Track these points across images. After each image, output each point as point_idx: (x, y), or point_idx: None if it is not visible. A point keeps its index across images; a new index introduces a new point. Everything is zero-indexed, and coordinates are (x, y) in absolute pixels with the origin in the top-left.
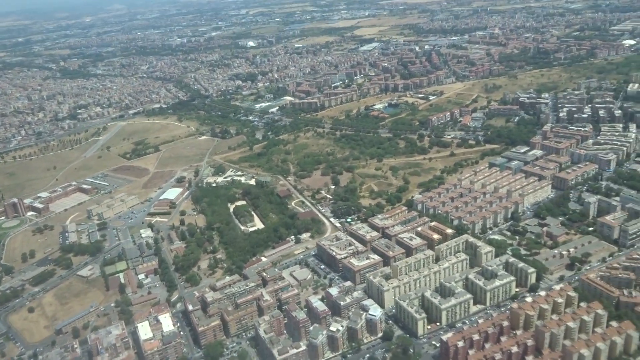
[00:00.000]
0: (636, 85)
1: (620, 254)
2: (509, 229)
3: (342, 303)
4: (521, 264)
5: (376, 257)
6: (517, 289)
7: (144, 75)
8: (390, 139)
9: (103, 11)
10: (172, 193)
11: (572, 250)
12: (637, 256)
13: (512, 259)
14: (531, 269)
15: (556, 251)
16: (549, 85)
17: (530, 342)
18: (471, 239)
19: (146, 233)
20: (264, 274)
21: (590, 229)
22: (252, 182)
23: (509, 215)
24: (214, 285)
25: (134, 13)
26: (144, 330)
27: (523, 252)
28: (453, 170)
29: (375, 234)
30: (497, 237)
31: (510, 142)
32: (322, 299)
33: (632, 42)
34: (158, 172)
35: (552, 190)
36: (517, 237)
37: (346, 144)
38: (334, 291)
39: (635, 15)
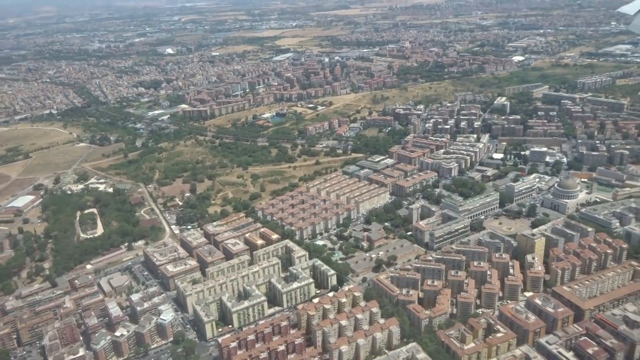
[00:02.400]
0: (503, 99)
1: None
2: (337, 234)
3: (138, 308)
4: (324, 267)
5: (193, 262)
6: (319, 291)
7: (48, 80)
8: (264, 148)
9: (31, 13)
10: (22, 201)
11: (381, 253)
12: (430, 258)
13: (317, 262)
14: (331, 272)
15: (367, 254)
16: (432, 98)
17: (299, 341)
18: (290, 244)
19: None
20: (76, 281)
21: (409, 233)
22: (111, 189)
23: (341, 222)
24: (19, 294)
25: (63, 16)
26: None
27: (340, 255)
28: (311, 178)
29: (202, 240)
30: (322, 242)
31: (374, 151)
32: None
33: (521, 58)
34: (19, 180)
35: (391, 197)
36: (340, 242)
37: (221, 152)
38: (135, 297)
39: (535, 33)
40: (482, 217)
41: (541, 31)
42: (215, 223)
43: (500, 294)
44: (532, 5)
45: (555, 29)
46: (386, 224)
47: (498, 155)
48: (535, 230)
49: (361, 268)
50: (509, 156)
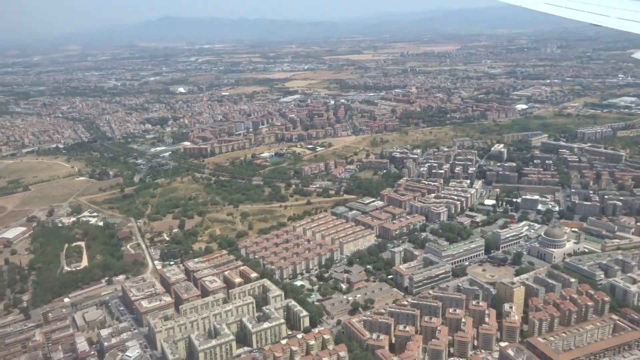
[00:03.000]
0: (501, 145)
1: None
2: (318, 275)
3: (106, 344)
4: (297, 308)
5: (168, 299)
6: (291, 332)
7: (60, 115)
8: (258, 186)
9: (56, 51)
10: (13, 232)
11: (359, 296)
12: (406, 303)
13: (291, 303)
14: (304, 313)
15: (344, 297)
16: (431, 142)
17: None
18: (267, 283)
19: None
20: (49, 315)
21: (390, 277)
22: (101, 223)
23: (323, 262)
24: None
25: (86, 55)
26: None
27: (318, 297)
28: (300, 218)
29: (181, 276)
30: (301, 282)
31: (367, 193)
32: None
33: (524, 106)
34: (14, 211)
35: (377, 240)
36: (320, 283)
37: (215, 189)
38: (104, 332)
39: (541, 82)
40: (466, 263)
41: (547, 81)
42: (196, 260)
43: (475, 343)
44: (542, 57)
45: (562, 79)
46: (368, 266)
47: (490, 202)
48: (516, 279)
49: (337, 310)
50: (501, 203)
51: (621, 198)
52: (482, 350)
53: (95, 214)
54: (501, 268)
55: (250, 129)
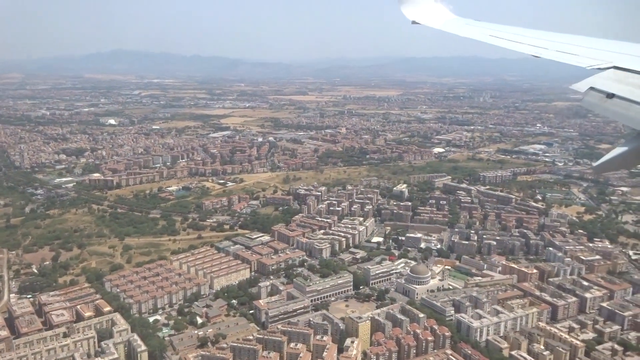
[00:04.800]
0: (404, 185)
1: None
2: (179, 309)
3: None
4: (137, 342)
5: (5, 333)
6: None
7: None
8: (154, 219)
9: None
10: None
11: (210, 331)
12: (251, 337)
13: (133, 338)
14: (142, 348)
15: (195, 331)
16: (342, 181)
17: None
18: (117, 317)
19: None
20: None
21: (251, 311)
22: None
23: (187, 296)
24: None
25: (26, 83)
26: None
27: (171, 332)
28: (184, 251)
29: (29, 309)
30: (157, 317)
31: (262, 229)
32: None
33: (441, 150)
34: None
35: (254, 274)
36: (179, 317)
37: (106, 221)
38: None
39: (465, 128)
40: (333, 298)
41: (472, 127)
42: (52, 293)
43: None
44: (474, 105)
45: (485, 126)
46: (233, 300)
47: (377, 239)
48: (367, 314)
49: (184, 345)
50: (388, 240)
51: (497, 238)
52: None
53: None
54: (365, 304)
55: (168, 163)
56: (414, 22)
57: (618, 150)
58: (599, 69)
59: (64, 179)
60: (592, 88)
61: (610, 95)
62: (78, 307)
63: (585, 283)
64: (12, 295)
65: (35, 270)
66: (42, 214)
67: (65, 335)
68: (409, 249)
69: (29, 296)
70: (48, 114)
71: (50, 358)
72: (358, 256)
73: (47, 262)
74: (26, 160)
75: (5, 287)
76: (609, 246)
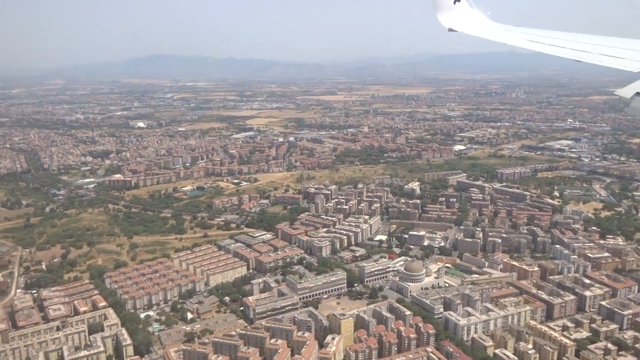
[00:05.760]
0: (416, 183)
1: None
2: (172, 305)
3: None
4: (123, 337)
5: (2, 325)
6: None
7: (8, 146)
8: (164, 219)
9: (40, 84)
10: None
11: (197, 326)
12: (234, 333)
13: (120, 332)
14: (128, 342)
15: (184, 327)
16: (356, 179)
17: None
18: (109, 312)
19: None
20: None
21: (241, 308)
22: None
23: (182, 293)
24: None
25: (67, 89)
26: None
27: (160, 327)
28: (187, 249)
29: (29, 304)
30: (149, 312)
31: (268, 227)
32: None
33: (462, 147)
34: None
35: (251, 272)
36: (172, 313)
37: (119, 220)
38: None
39: (490, 125)
40: (325, 296)
41: (498, 124)
42: (53, 288)
43: None
44: (505, 101)
45: (513, 122)
46: (226, 297)
47: (381, 237)
48: (353, 311)
49: (171, 340)
50: (391, 238)
51: (504, 235)
52: None
53: None
54: (357, 301)
55: (188, 164)
56: (450, 30)
57: None
58: None
59: (87, 180)
60: (639, 94)
61: None
62: (75, 302)
63: (587, 281)
64: (18, 290)
65: (44, 267)
66: (60, 214)
67: (58, 329)
68: (411, 247)
69: (33, 292)
70: (82, 118)
71: (41, 350)
72: (358, 254)
73: (56, 259)
74: (54, 163)
75: (13, 283)
76: (621, 243)
